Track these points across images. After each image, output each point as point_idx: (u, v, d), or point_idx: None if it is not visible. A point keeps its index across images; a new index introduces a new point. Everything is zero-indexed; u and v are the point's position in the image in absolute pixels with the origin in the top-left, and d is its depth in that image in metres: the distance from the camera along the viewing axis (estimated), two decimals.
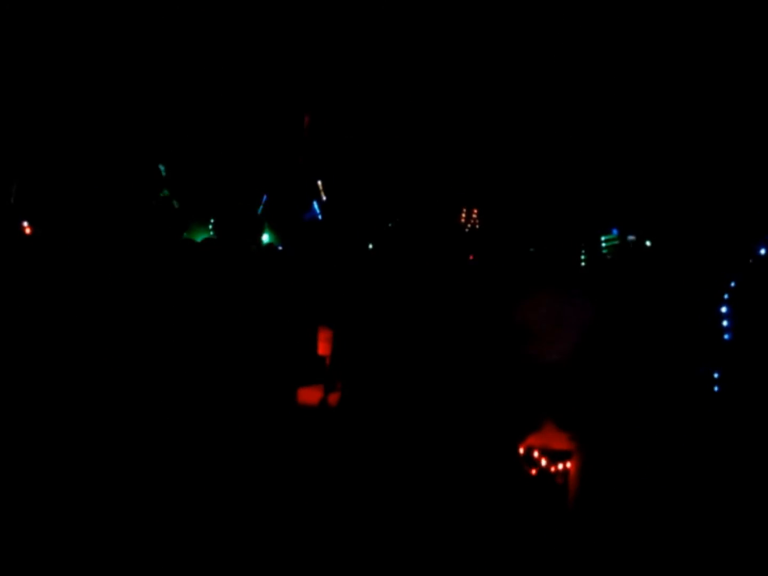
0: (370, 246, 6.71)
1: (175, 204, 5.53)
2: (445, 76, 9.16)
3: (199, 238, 6.17)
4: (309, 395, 5.78)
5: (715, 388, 3.62)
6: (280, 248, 6.24)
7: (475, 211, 10.02)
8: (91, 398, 4.03)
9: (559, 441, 3.58)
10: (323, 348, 5.93)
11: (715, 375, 3.64)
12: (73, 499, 3.35)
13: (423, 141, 9.90)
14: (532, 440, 3.63)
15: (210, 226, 6.37)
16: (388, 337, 5.15)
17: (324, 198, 8.70)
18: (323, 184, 8.85)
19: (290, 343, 5.41)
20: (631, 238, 5.95)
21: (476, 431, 3.94)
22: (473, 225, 9.98)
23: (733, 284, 3.69)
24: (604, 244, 5.93)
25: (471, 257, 7.32)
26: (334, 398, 5.65)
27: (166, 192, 7.04)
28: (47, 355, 4.17)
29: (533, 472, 3.63)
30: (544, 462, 3.64)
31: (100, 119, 7.35)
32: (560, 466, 3.60)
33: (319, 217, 8.02)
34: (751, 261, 3.68)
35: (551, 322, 3.66)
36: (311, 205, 8.18)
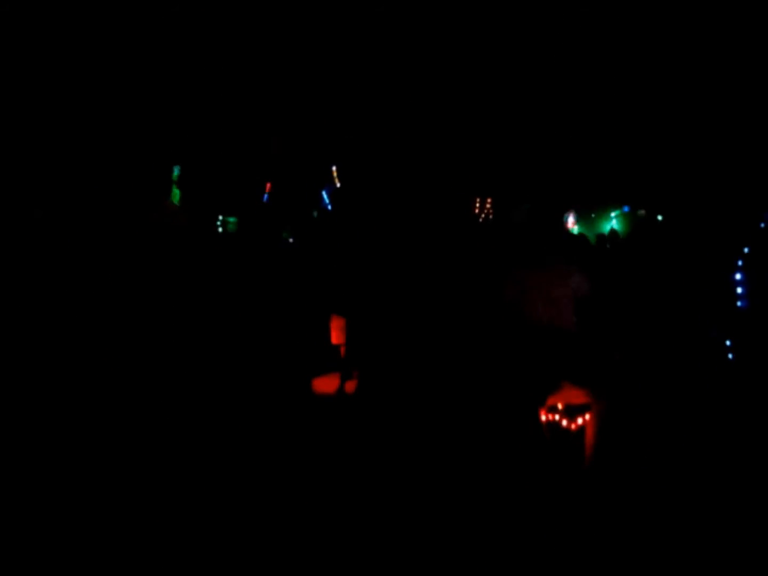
0: (380, 234, 6.70)
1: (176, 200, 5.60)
2: (456, 62, 9.09)
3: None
4: (326, 384, 5.80)
5: (729, 356, 3.59)
6: (290, 240, 6.26)
7: (489, 200, 9.97)
8: (105, 387, 4.08)
9: (578, 397, 3.61)
10: (336, 337, 5.94)
11: (728, 342, 3.61)
12: (80, 488, 3.38)
13: (434, 130, 9.85)
14: (552, 401, 3.66)
15: (218, 223, 6.43)
16: (401, 321, 5.15)
17: (338, 185, 8.69)
18: (338, 170, 8.84)
19: (304, 333, 5.43)
20: (641, 212, 5.91)
21: (497, 402, 3.94)
22: (487, 214, 9.93)
23: (746, 250, 3.66)
24: (614, 220, 5.91)
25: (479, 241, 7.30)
26: (351, 386, 5.66)
27: (176, 192, 7.07)
28: (61, 348, 4.23)
29: (556, 423, 3.67)
30: (565, 422, 3.68)
31: (106, 120, 7.41)
32: (579, 420, 3.65)
33: (329, 207, 8.02)
34: (762, 225, 3.63)
35: (562, 292, 3.68)
36: (320, 195, 8.18)
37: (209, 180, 7.53)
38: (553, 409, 3.77)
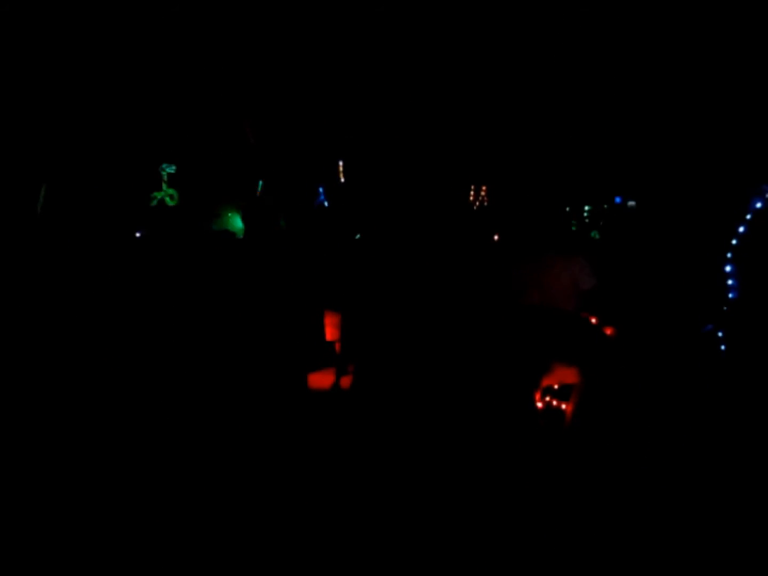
0: (374, 228, 6.69)
1: (169, 201, 5.59)
2: (446, 52, 9.05)
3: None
4: (321, 380, 5.81)
5: (722, 347, 3.63)
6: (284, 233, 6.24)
7: (484, 188, 9.92)
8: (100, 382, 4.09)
9: (570, 376, 3.64)
10: (331, 333, 5.95)
11: (720, 334, 3.65)
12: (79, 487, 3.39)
13: (428, 119, 9.80)
14: (546, 382, 3.69)
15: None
16: (394, 316, 5.16)
17: (342, 180, 8.68)
18: (344, 165, 8.81)
19: (298, 330, 5.43)
20: (631, 203, 5.94)
21: (493, 391, 3.96)
22: (482, 202, 9.88)
23: (735, 242, 3.69)
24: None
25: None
26: (346, 381, 5.67)
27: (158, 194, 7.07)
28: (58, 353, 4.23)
29: (553, 406, 3.70)
30: (564, 405, 3.71)
31: (100, 120, 7.39)
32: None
33: (325, 203, 8.01)
34: (749, 217, 3.66)
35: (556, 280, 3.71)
36: (317, 190, 8.16)
37: (204, 176, 7.52)
38: (548, 392, 3.81)
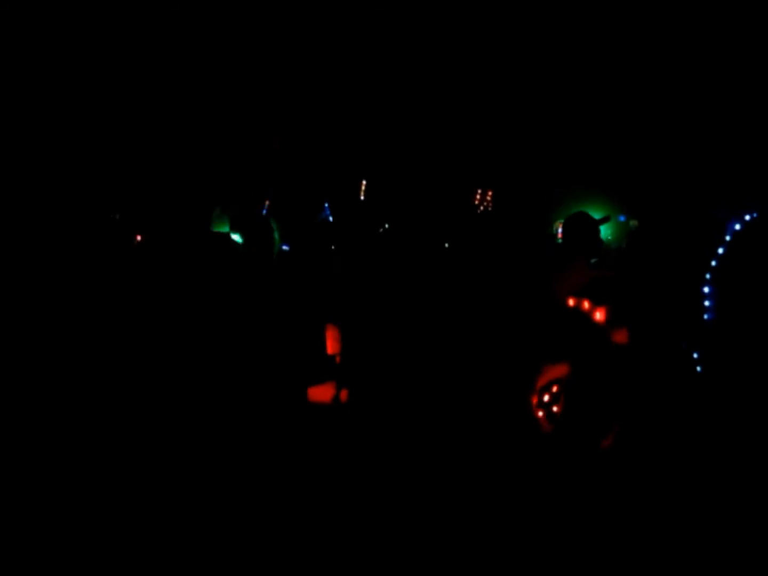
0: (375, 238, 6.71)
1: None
2: (455, 54, 9.08)
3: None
4: (321, 393, 5.86)
5: (698, 369, 3.63)
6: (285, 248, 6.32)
7: (490, 192, 9.88)
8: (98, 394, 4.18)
9: (561, 371, 3.66)
10: (332, 346, 6.01)
11: (695, 355, 3.66)
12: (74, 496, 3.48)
13: (433, 124, 9.81)
14: (540, 382, 3.72)
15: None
16: (396, 326, 5.21)
17: (362, 198, 8.74)
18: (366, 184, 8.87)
19: (299, 343, 5.50)
20: (633, 222, 5.95)
21: (489, 397, 3.98)
22: (486, 207, 9.83)
23: (714, 263, 3.70)
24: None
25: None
26: (346, 395, 5.72)
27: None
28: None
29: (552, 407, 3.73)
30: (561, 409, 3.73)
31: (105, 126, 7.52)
32: None
33: (330, 218, 8.07)
34: (728, 238, 3.67)
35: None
36: (323, 205, 8.23)
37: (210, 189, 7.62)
38: (544, 392, 3.83)
